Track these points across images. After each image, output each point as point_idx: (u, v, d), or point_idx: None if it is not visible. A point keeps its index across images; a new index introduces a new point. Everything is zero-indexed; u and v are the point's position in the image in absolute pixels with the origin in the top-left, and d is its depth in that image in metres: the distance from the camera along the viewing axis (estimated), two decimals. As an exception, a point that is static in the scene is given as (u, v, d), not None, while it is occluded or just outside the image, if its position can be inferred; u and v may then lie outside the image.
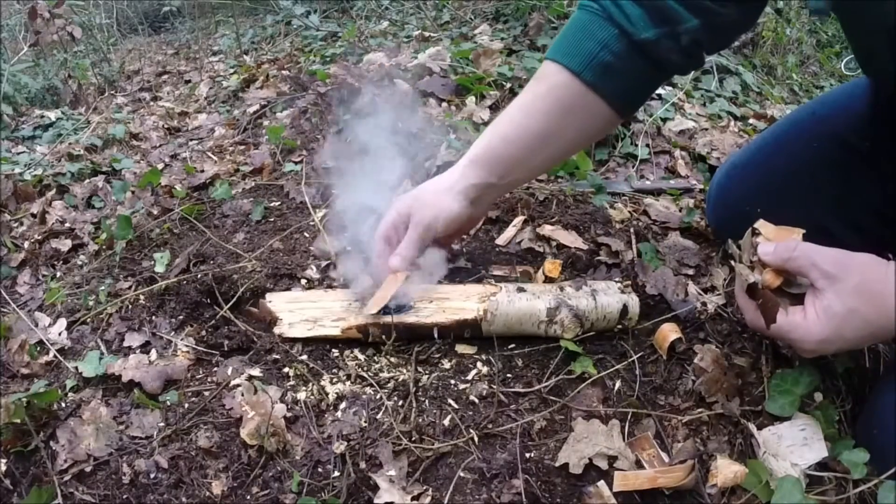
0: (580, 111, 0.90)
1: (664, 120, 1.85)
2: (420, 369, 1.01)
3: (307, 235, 1.35)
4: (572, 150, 1.05)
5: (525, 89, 0.95)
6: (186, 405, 0.99)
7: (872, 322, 0.74)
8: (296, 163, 1.66)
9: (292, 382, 1.00)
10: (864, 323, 0.75)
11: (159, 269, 1.25)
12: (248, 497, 0.87)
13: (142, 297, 1.20)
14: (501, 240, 1.30)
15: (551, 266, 1.19)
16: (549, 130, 0.92)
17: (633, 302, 1.06)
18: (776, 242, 0.83)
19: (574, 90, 0.87)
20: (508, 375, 1.01)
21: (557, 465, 0.88)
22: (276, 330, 1.07)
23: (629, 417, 0.95)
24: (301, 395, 0.98)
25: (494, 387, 0.98)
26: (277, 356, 1.04)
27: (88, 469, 0.91)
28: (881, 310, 0.74)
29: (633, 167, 1.65)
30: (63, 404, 1.00)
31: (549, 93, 0.90)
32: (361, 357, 1.03)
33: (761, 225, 0.89)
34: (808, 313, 0.77)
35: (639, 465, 0.89)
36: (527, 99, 0.94)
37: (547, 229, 1.30)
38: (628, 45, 0.83)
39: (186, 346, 1.09)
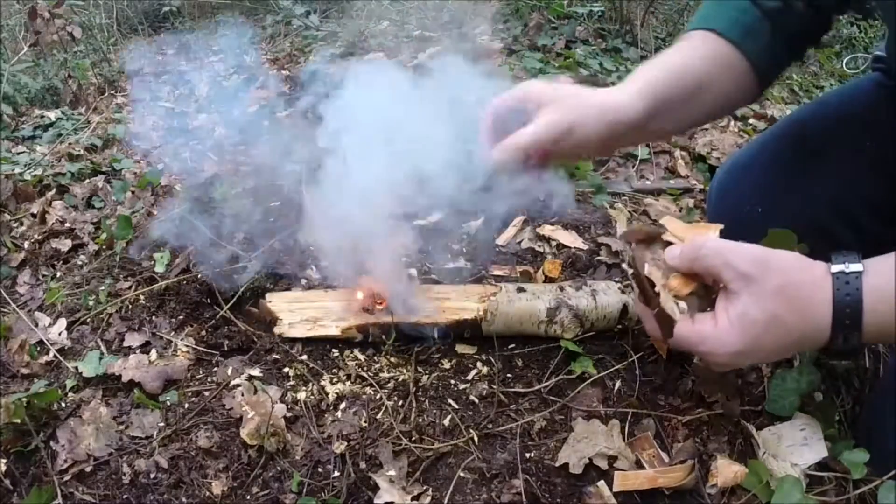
0: (727, 67, 0.91)
1: (664, 120, 1.84)
2: (420, 369, 1.01)
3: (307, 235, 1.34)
4: (717, 110, 1.00)
5: (672, 49, 0.92)
6: (186, 405, 0.99)
7: (795, 330, 0.65)
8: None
9: (292, 382, 1.00)
10: (785, 332, 0.65)
11: (159, 269, 1.25)
12: (248, 497, 0.87)
13: (142, 297, 1.20)
14: (501, 240, 1.31)
15: (551, 266, 1.19)
16: (704, 79, 0.90)
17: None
18: (682, 244, 0.72)
19: (722, 47, 0.89)
20: (508, 375, 1.01)
21: (557, 465, 0.88)
22: (276, 330, 1.07)
23: (629, 417, 0.95)
24: (301, 395, 0.98)
25: (494, 387, 0.98)
26: (277, 356, 1.04)
27: (88, 469, 0.91)
28: (806, 317, 0.64)
29: (633, 167, 1.65)
30: (63, 404, 1.00)
31: (703, 45, 0.91)
32: (361, 357, 1.03)
33: (667, 221, 0.78)
34: (719, 321, 0.66)
35: (639, 465, 0.89)
36: (682, 48, 0.92)
37: (547, 229, 1.30)
38: (759, 12, 0.88)
39: (186, 346, 1.09)
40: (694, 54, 0.90)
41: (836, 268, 0.65)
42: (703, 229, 0.75)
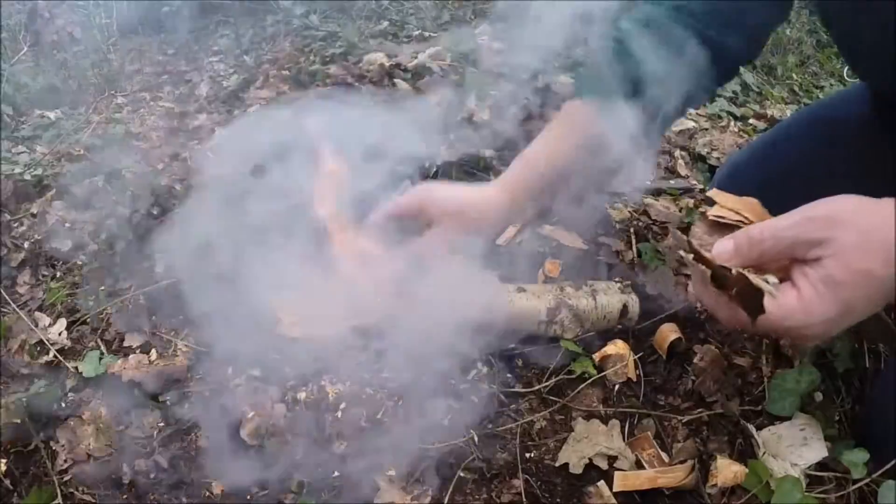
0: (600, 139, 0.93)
1: (664, 120, 1.85)
2: (420, 369, 1.01)
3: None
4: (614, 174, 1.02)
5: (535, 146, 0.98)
6: (186, 405, 0.99)
7: (887, 278, 0.59)
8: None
9: (292, 382, 1.00)
10: (878, 284, 0.59)
11: (159, 269, 1.25)
12: (248, 497, 0.87)
13: (142, 297, 1.20)
14: (501, 240, 1.30)
15: (551, 266, 1.19)
16: (583, 156, 0.94)
17: (633, 302, 1.06)
18: (732, 238, 0.65)
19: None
20: (508, 375, 1.01)
21: (557, 465, 0.88)
22: (276, 330, 1.06)
23: (629, 417, 0.95)
24: (301, 395, 0.98)
25: (494, 387, 0.98)
26: (277, 356, 1.04)
27: (88, 469, 0.91)
28: (890, 258, 0.58)
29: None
30: (63, 404, 1.00)
31: (573, 127, 0.95)
32: (362, 357, 1.03)
33: (715, 194, 0.71)
34: (803, 292, 0.60)
35: (639, 465, 0.89)
36: (551, 138, 0.97)
37: (547, 229, 1.30)
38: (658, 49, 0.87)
39: (186, 346, 1.09)
40: (567, 143, 0.94)
41: None
42: (743, 204, 0.70)
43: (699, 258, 0.65)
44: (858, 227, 0.60)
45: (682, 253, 0.68)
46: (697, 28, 0.84)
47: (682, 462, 0.89)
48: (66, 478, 0.90)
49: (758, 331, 0.66)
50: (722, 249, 0.64)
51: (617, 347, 1.02)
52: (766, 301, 0.60)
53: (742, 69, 2.36)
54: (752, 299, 0.61)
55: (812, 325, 0.61)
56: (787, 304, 0.60)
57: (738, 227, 0.67)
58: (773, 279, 0.61)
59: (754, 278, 0.61)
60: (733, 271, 0.62)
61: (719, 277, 0.64)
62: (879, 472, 0.82)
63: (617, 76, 0.85)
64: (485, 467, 0.88)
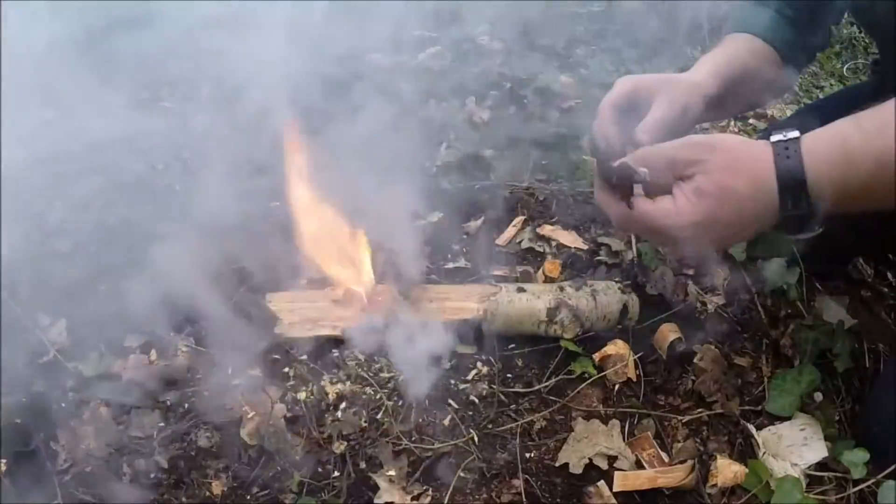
0: (765, 59, 1.01)
1: (664, 120, 1.84)
2: (420, 369, 1.01)
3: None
4: (760, 96, 1.09)
5: (718, 47, 1.03)
6: (186, 405, 0.99)
7: (747, 199, 0.69)
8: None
9: (292, 382, 1.00)
10: (737, 201, 0.69)
11: (159, 268, 1.25)
12: (248, 497, 0.87)
13: (142, 296, 1.19)
14: (501, 240, 1.30)
15: (551, 266, 1.19)
16: (750, 65, 0.99)
17: (633, 302, 1.06)
18: (630, 155, 0.76)
19: (757, 43, 1.01)
20: (508, 375, 1.01)
21: (557, 465, 0.88)
22: (276, 330, 1.07)
23: (629, 417, 0.95)
24: (301, 395, 0.98)
25: (494, 387, 0.98)
26: (277, 356, 1.04)
27: (88, 469, 0.91)
28: (755, 182, 0.68)
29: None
30: (63, 404, 1.00)
31: (743, 42, 1.01)
32: (361, 357, 1.03)
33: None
34: (677, 199, 0.71)
35: (639, 465, 0.89)
36: (727, 46, 1.02)
37: (547, 229, 1.30)
38: (778, 17, 1.02)
39: (186, 346, 1.09)
40: (739, 48, 1.01)
41: (775, 137, 0.70)
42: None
43: (595, 154, 0.79)
44: (730, 152, 0.70)
45: (587, 157, 0.77)
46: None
47: (682, 462, 0.89)
48: (66, 478, 0.90)
49: (639, 227, 0.76)
50: (621, 161, 0.76)
51: (617, 347, 1.02)
52: (646, 203, 0.72)
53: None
54: (627, 186, 0.73)
55: (681, 226, 0.70)
56: (662, 206, 0.71)
57: None
58: (643, 169, 0.73)
59: (627, 161, 0.73)
60: (616, 163, 0.73)
61: (607, 170, 0.75)
62: (882, 474, 0.82)
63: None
64: (485, 467, 0.88)
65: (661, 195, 0.72)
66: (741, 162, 0.70)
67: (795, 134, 0.69)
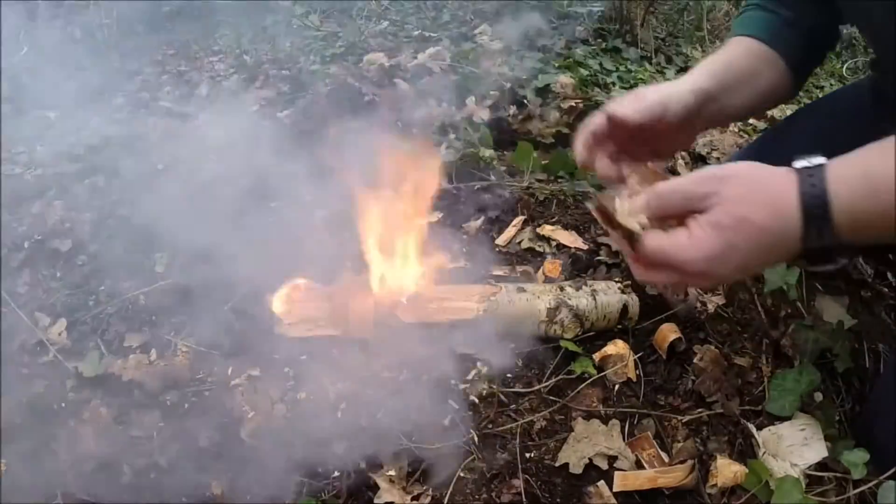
0: (768, 63, 1.02)
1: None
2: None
3: (308, 235, 1.34)
4: (761, 100, 1.08)
5: (719, 51, 1.04)
6: (186, 405, 0.99)
7: (766, 229, 0.67)
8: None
9: (292, 382, 1.00)
10: (757, 231, 0.67)
11: (159, 269, 1.25)
12: (248, 497, 0.87)
13: (142, 297, 1.20)
14: (501, 240, 1.30)
15: (551, 266, 1.19)
16: (749, 70, 1.00)
17: (633, 302, 1.06)
18: (645, 194, 0.75)
19: (760, 47, 1.02)
20: (508, 375, 1.01)
21: (557, 465, 0.88)
22: (276, 330, 1.07)
23: (629, 417, 0.95)
24: (301, 395, 0.98)
25: (494, 387, 0.98)
26: (277, 356, 1.04)
27: (88, 469, 0.91)
28: (775, 211, 0.66)
29: (633, 167, 1.64)
30: (63, 404, 1.00)
31: (744, 46, 1.03)
32: (362, 357, 1.03)
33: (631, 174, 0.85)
34: (692, 232, 0.69)
35: (639, 465, 0.89)
36: (727, 49, 1.03)
37: (547, 229, 1.30)
38: (781, 20, 1.03)
39: (186, 346, 1.09)
40: (738, 52, 1.02)
41: (798, 163, 0.68)
42: (662, 177, 0.79)
43: (605, 214, 0.78)
44: (744, 183, 0.68)
45: (587, 205, 0.75)
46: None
47: (682, 462, 0.89)
48: (66, 478, 0.90)
49: (652, 258, 0.74)
50: (638, 203, 0.76)
51: (617, 347, 1.02)
52: (659, 236, 0.71)
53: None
54: (631, 238, 0.73)
55: (698, 259, 0.68)
56: (678, 241, 0.69)
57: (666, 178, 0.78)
58: (644, 221, 0.74)
59: (628, 221, 0.75)
60: (616, 219, 0.75)
61: (614, 224, 0.76)
62: (884, 476, 0.81)
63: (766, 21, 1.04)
64: (485, 467, 0.88)
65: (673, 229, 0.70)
66: (757, 192, 0.68)
67: (821, 160, 0.67)
